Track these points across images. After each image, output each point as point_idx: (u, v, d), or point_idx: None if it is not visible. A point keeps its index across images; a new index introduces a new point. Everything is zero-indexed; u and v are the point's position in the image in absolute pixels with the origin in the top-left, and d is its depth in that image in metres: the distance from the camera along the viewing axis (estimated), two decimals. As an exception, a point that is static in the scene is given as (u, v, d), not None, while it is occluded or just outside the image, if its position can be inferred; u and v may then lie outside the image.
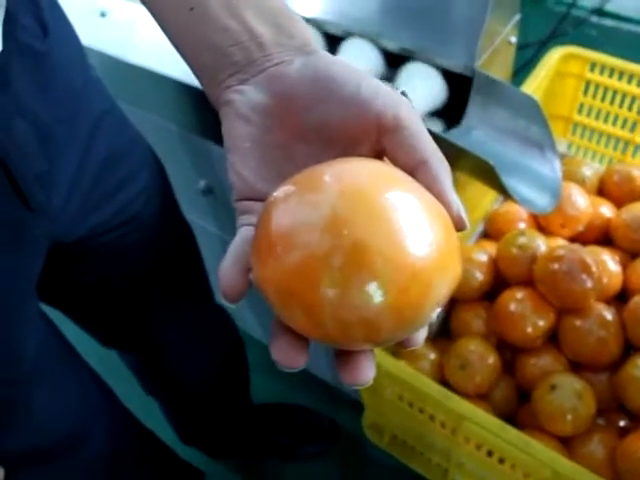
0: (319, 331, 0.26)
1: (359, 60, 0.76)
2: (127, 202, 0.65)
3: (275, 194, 0.28)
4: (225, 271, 0.29)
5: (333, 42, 0.79)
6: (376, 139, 0.31)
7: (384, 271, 0.24)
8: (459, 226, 0.30)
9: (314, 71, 0.31)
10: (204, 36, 0.33)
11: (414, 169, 0.29)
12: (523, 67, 1.35)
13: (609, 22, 1.63)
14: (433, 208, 0.27)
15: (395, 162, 0.30)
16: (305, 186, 0.27)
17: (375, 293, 0.24)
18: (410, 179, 0.28)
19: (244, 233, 0.31)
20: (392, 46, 0.76)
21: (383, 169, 0.28)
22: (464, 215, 0.30)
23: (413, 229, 0.25)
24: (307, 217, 0.25)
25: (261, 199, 0.33)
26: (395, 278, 0.25)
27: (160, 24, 0.35)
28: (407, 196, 0.26)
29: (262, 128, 0.32)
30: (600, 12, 1.64)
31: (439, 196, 0.29)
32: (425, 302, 0.26)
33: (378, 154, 0.32)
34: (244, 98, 0.32)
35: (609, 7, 1.62)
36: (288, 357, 0.28)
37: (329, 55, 0.32)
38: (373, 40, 0.77)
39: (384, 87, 0.31)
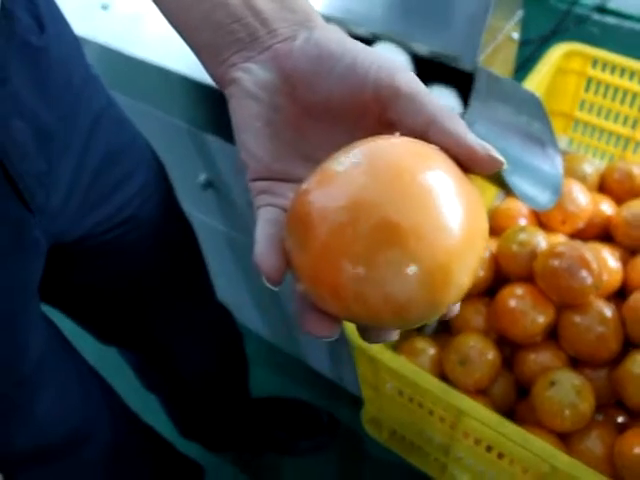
0: (348, 312, 0.26)
1: None
2: (125, 201, 0.64)
3: (309, 179, 0.28)
4: (263, 256, 0.29)
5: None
6: (379, 111, 0.30)
7: (415, 251, 0.24)
8: (492, 166, 0.28)
9: (316, 47, 0.31)
10: (204, 13, 0.32)
11: (424, 133, 0.29)
12: (525, 63, 1.35)
13: (611, 19, 1.63)
14: (463, 187, 0.27)
15: (405, 130, 0.30)
16: (334, 172, 0.27)
17: (405, 273, 0.24)
18: (441, 156, 0.28)
19: (267, 215, 0.31)
20: (392, 41, 0.75)
21: (412, 147, 0.28)
22: (493, 152, 0.28)
23: (444, 210, 0.25)
24: (337, 201, 0.25)
25: (277, 178, 0.33)
26: (425, 258, 0.24)
27: (159, 4, 0.35)
28: (439, 176, 0.26)
29: (271, 106, 0.32)
30: (602, 9, 1.63)
31: (458, 147, 0.28)
32: (454, 283, 0.26)
33: (385, 126, 0.31)
34: (251, 76, 0.32)
35: (611, 5, 1.61)
36: (322, 328, 0.28)
37: (330, 30, 0.32)
38: (374, 35, 0.76)
39: (380, 58, 0.30)
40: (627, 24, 1.60)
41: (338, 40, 0.31)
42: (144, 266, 0.72)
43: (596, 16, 1.64)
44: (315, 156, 0.31)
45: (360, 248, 0.24)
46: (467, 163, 0.28)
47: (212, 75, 0.34)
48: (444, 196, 0.26)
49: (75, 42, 0.58)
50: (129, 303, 0.75)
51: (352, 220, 0.25)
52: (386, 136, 0.29)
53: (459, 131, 0.28)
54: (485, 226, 0.28)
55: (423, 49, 0.75)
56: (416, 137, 0.29)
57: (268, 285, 0.29)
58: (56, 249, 0.60)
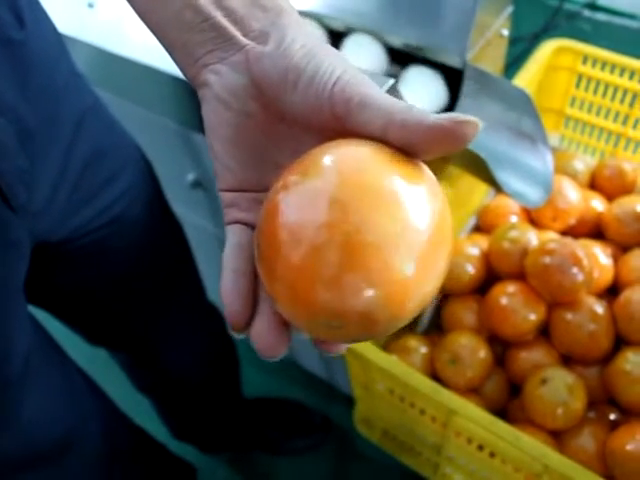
0: (316, 329, 0.27)
1: (365, 57, 0.75)
2: (111, 202, 0.64)
3: (273, 189, 0.27)
4: (227, 298, 0.29)
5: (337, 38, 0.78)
6: (340, 125, 0.29)
7: (373, 274, 0.24)
8: (467, 131, 0.26)
9: (283, 58, 0.30)
10: (175, 13, 0.31)
11: (385, 135, 0.27)
12: (516, 60, 1.34)
13: (601, 16, 1.63)
14: (425, 193, 0.27)
15: (367, 138, 0.28)
16: (301, 180, 0.26)
17: (367, 290, 0.24)
18: (402, 160, 0.27)
19: (235, 239, 0.31)
20: (386, 39, 0.75)
21: (372, 154, 0.27)
22: (462, 117, 0.26)
23: (408, 220, 0.25)
24: (305, 214, 0.25)
25: (247, 189, 0.32)
26: (383, 280, 0.25)
27: (132, 3, 0.34)
28: (403, 183, 0.26)
29: (242, 112, 0.31)
30: (592, 6, 1.63)
31: (423, 133, 0.26)
32: (414, 298, 0.26)
33: (351, 135, 0.30)
34: (222, 80, 0.31)
35: (601, 1, 1.61)
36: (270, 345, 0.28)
37: (302, 31, 0.31)
38: (368, 33, 0.76)
39: (338, 69, 0.28)
40: (618, 20, 1.60)
41: (306, 49, 0.30)
42: (132, 266, 0.71)
43: (587, 13, 1.64)
44: (287, 164, 0.31)
45: (324, 272, 0.25)
46: (442, 144, 0.27)
47: (186, 76, 0.33)
48: (404, 208, 0.25)
49: (58, 39, 0.57)
50: (117, 303, 0.74)
51: (315, 243, 0.25)
52: (346, 141, 0.28)
53: (418, 117, 0.26)
54: (449, 232, 0.28)
55: (413, 46, 0.75)
56: (380, 141, 0.28)
57: (232, 332, 0.29)
58: (42, 249, 0.60)
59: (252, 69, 0.31)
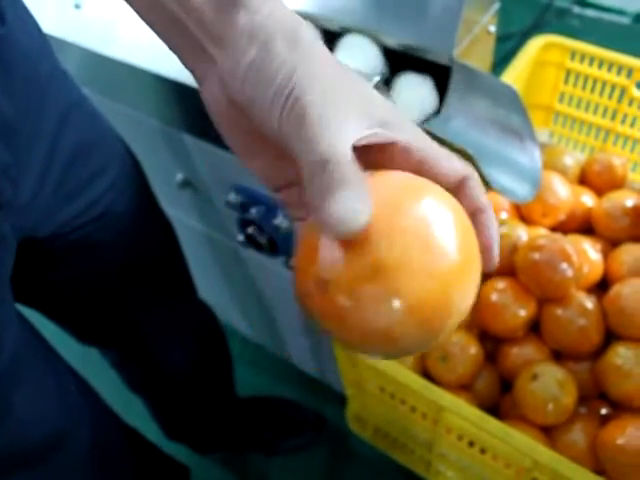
0: (347, 341, 0.28)
1: (360, 57, 0.75)
2: (98, 196, 0.63)
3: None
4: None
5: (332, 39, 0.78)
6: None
7: (400, 288, 0.25)
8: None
9: (251, 86, 0.29)
10: (165, 18, 0.32)
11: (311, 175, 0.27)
12: (506, 57, 1.35)
13: (591, 12, 1.63)
14: (454, 217, 0.28)
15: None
16: None
17: (393, 308, 0.25)
18: (431, 187, 0.29)
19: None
20: (375, 37, 0.75)
21: (406, 181, 0.28)
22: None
23: (436, 245, 0.26)
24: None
25: (290, 182, 0.33)
26: (411, 294, 0.25)
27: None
28: (431, 209, 0.27)
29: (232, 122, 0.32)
30: (582, 2, 1.64)
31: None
32: (445, 316, 0.26)
33: None
34: (210, 88, 0.32)
35: (591, -3, 1.62)
36: None
37: (277, 50, 0.29)
38: (354, 31, 0.76)
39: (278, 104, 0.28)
40: (607, 16, 1.61)
41: (266, 75, 0.29)
42: (120, 261, 0.71)
43: (577, 9, 1.64)
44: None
45: (355, 286, 0.26)
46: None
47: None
48: (437, 231, 0.26)
49: (40, 35, 0.57)
50: (107, 299, 0.74)
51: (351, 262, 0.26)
52: (381, 172, 0.29)
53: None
54: (477, 255, 0.29)
55: (399, 43, 0.75)
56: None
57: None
58: (30, 245, 0.59)
59: (228, 87, 0.30)
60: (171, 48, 0.34)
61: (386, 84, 0.74)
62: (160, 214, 0.76)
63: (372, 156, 0.31)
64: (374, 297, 0.25)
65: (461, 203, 0.30)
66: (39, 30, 0.57)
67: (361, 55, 0.76)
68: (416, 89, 0.75)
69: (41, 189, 0.56)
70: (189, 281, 0.87)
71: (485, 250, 0.31)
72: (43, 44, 0.57)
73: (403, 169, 0.30)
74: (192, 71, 0.34)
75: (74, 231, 0.63)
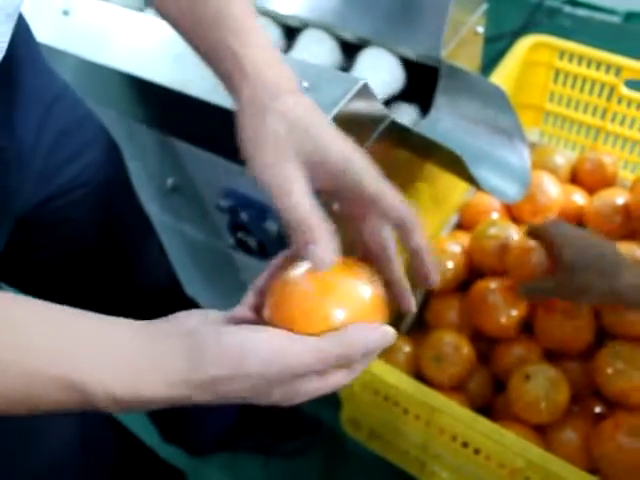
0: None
1: (319, 52, 0.75)
2: (75, 175, 0.65)
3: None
4: None
5: (292, 34, 0.79)
6: None
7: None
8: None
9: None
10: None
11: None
12: (497, 58, 1.35)
13: (582, 12, 1.64)
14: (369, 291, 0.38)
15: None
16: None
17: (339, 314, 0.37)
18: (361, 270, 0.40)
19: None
20: (350, 36, 0.75)
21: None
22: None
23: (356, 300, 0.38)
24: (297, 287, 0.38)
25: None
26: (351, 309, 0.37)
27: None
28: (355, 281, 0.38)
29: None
30: (573, 2, 1.64)
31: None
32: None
33: None
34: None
35: (581, -4, 1.63)
36: None
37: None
38: (335, 31, 0.76)
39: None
40: (598, 16, 1.61)
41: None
42: (94, 240, 0.71)
43: (567, 8, 1.65)
44: None
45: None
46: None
47: None
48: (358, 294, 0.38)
49: (27, 30, 0.59)
50: (87, 288, 0.74)
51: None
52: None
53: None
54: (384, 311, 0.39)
55: (386, 46, 0.75)
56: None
57: None
58: (14, 225, 0.61)
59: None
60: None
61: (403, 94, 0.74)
62: (132, 192, 0.77)
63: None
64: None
65: (404, 240, 0.40)
66: (28, 29, 0.59)
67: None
68: (382, 65, 0.74)
69: (28, 173, 0.58)
70: (175, 280, 0.87)
71: (427, 277, 0.41)
72: (30, 38, 0.59)
73: (356, 205, 0.41)
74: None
75: (53, 200, 0.64)
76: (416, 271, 0.41)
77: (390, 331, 0.36)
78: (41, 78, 0.61)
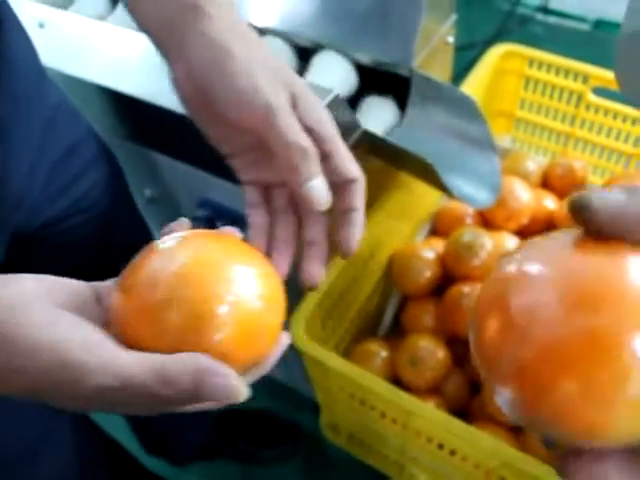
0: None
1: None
2: (84, 192, 0.66)
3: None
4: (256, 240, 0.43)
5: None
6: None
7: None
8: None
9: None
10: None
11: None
12: (470, 65, 1.37)
13: (553, 19, 1.67)
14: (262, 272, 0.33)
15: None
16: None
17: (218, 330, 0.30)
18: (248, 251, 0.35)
19: (249, 197, 0.45)
20: (335, 49, 0.77)
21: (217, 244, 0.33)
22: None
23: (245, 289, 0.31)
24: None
25: (244, 150, 0.43)
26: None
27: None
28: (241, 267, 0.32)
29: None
30: (545, 10, 1.68)
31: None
32: (257, 337, 0.32)
33: None
34: (182, 74, 0.40)
35: (553, 5, 1.66)
36: None
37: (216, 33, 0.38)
38: (313, 43, 0.77)
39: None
40: (569, 23, 1.65)
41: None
42: (100, 257, 0.72)
43: (539, 16, 1.68)
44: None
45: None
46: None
47: None
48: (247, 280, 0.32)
49: (28, 41, 0.59)
50: None
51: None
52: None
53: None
54: (279, 295, 0.34)
55: (360, 56, 0.76)
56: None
57: None
58: (19, 243, 0.61)
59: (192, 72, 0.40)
60: (149, 33, 0.41)
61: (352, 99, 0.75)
62: (137, 214, 0.77)
63: None
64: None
65: (340, 199, 0.39)
66: (25, 33, 0.59)
67: (334, 71, 0.77)
68: (380, 109, 0.76)
69: (30, 186, 0.58)
70: None
71: (344, 241, 0.40)
72: (31, 47, 0.60)
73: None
74: (163, 54, 0.41)
75: (60, 228, 0.64)
76: (338, 232, 0.40)
77: (241, 389, 0.29)
78: (42, 85, 0.60)
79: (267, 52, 0.40)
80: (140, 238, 0.79)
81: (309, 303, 0.69)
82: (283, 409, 1.12)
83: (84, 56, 0.77)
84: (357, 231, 0.40)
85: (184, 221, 0.37)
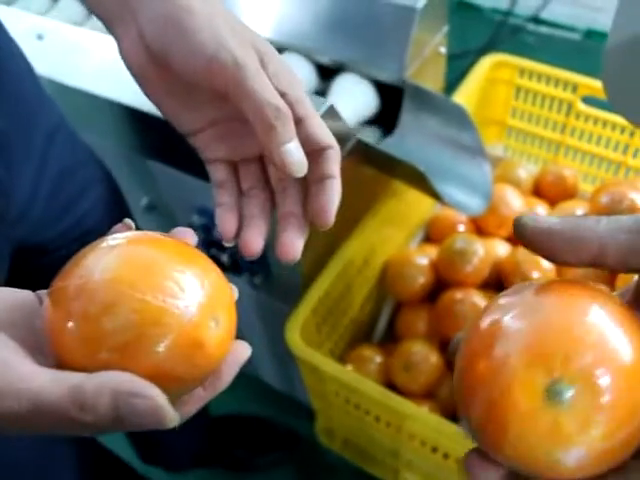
0: None
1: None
2: (83, 214, 0.66)
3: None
4: (223, 223, 0.39)
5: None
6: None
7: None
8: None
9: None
10: None
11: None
12: (463, 74, 1.39)
13: (544, 29, 1.69)
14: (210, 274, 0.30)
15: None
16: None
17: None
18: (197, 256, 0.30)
19: (216, 176, 0.42)
20: (324, 59, 0.78)
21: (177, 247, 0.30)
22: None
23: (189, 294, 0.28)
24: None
25: (204, 126, 0.40)
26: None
27: None
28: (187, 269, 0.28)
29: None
30: (536, 20, 1.70)
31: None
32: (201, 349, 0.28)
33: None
34: (133, 47, 0.38)
35: (544, 15, 1.68)
36: None
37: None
38: (305, 54, 0.79)
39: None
40: (560, 33, 1.66)
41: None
42: None
43: (531, 26, 1.70)
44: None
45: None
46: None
47: None
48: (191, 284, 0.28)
49: (24, 59, 0.60)
50: None
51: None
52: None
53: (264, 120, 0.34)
54: (227, 297, 0.31)
55: (353, 67, 0.78)
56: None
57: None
58: (19, 261, 0.61)
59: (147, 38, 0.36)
60: (94, 10, 0.38)
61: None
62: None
63: None
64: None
65: (314, 167, 0.36)
66: (22, 54, 0.60)
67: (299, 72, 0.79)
68: (355, 90, 0.77)
69: (32, 203, 0.58)
70: None
71: (320, 210, 0.36)
72: (28, 67, 0.60)
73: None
74: (113, 30, 0.38)
75: (61, 248, 0.65)
76: (314, 202, 0.37)
77: (168, 413, 0.25)
78: (42, 103, 0.61)
79: (229, 12, 0.37)
80: None
81: (304, 309, 0.70)
82: (278, 416, 1.13)
83: (82, 67, 0.78)
84: (334, 199, 0.37)
85: (128, 222, 0.34)
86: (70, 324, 0.27)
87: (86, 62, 0.79)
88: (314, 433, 0.89)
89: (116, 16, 0.37)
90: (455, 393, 0.27)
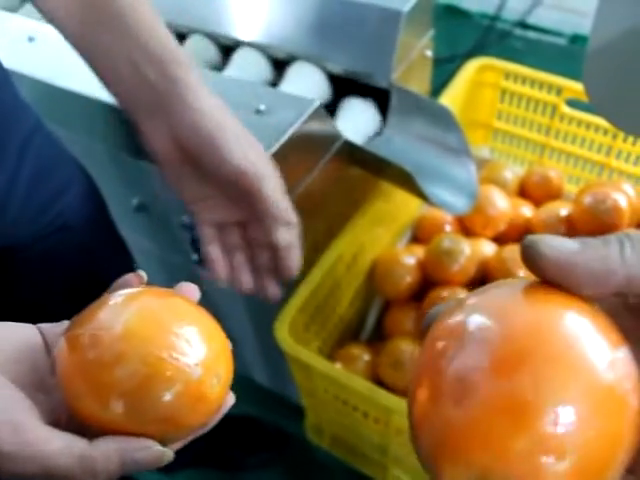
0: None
1: (253, 70, 0.80)
2: (60, 211, 0.67)
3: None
4: (217, 269, 0.57)
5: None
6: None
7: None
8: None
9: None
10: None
11: None
12: (450, 79, 1.41)
13: (531, 34, 1.71)
14: (207, 328, 0.32)
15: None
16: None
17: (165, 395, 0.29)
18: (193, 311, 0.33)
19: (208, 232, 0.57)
20: (309, 61, 0.80)
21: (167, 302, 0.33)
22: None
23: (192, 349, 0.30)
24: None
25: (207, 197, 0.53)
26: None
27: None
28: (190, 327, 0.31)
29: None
30: (523, 25, 1.72)
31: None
32: (206, 392, 0.31)
33: None
34: (163, 143, 0.51)
35: (531, 20, 1.70)
36: None
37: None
38: (288, 56, 0.80)
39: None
40: (547, 38, 1.69)
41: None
42: (76, 277, 0.73)
43: (518, 31, 1.72)
44: None
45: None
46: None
47: None
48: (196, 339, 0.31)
49: (2, 69, 0.61)
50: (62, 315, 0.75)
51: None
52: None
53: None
54: (224, 348, 0.33)
55: (343, 69, 0.79)
56: None
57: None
58: None
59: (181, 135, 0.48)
60: (121, 97, 0.47)
61: (327, 108, 0.78)
62: (115, 233, 0.79)
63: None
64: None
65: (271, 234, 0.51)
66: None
67: (307, 81, 0.80)
68: (359, 113, 0.79)
69: (7, 201, 0.59)
70: None
71: (286, 270, 0.54)
72: (5, 75, 0.61)
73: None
74: (139, 121, 0.48)
75: (36, 246, 0.65)
76: (280, 263, 0.52)
77: (166, 453, 0.30)
78: (17, 109, 0.62)
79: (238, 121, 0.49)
80: (119, 258, 0.81)
81: (292, 307, 0.71)
82: (268, 415, 1.13)
83: (73, 69, 0.79)
84: (295, 263, 0.52)
85: (141, 274, 0.36)
86: (85, 370, 0.29)
87: (77, 64, 0.79)
88: (303, 433, 0.89)
89: (145, 110, 0.46)
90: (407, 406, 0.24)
